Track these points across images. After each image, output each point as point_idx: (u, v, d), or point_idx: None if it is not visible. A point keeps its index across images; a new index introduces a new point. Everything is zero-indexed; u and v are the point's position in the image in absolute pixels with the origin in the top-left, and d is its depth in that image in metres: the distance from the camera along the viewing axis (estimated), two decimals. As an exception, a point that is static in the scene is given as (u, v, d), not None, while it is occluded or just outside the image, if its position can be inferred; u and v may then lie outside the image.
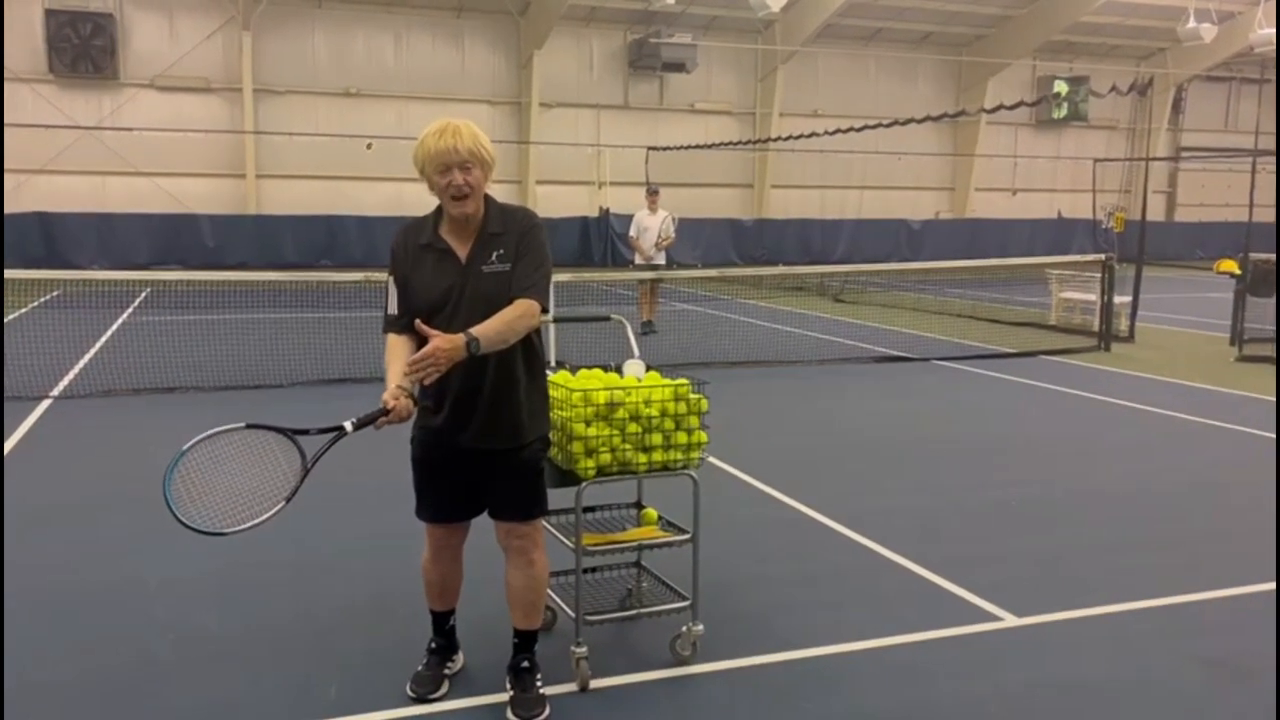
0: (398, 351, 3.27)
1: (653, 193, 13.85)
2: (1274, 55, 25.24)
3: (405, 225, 3.45)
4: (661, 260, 13.80)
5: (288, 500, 3.10)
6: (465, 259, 3.29)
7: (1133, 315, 13.41)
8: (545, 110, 26.28)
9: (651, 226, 13.57)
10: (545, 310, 3.31)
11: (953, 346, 12.47)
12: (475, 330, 3.11)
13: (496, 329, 3.16)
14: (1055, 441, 7.81)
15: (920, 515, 5.81)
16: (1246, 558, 5.10)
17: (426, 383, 3.10)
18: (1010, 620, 4.30)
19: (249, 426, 3.11)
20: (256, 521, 3.05)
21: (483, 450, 3.37)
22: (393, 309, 3.37)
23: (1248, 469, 6.92)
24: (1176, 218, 33.95)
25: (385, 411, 3.12)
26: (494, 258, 3.29)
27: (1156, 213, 33.04)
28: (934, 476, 6.72)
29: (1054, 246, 27.13)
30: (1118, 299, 12.98)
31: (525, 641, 3.57)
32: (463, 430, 3.34)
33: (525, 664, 3.55)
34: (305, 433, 3.16)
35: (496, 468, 3.40)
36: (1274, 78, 25.71)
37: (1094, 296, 13.32)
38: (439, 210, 3.36)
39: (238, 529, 3.03)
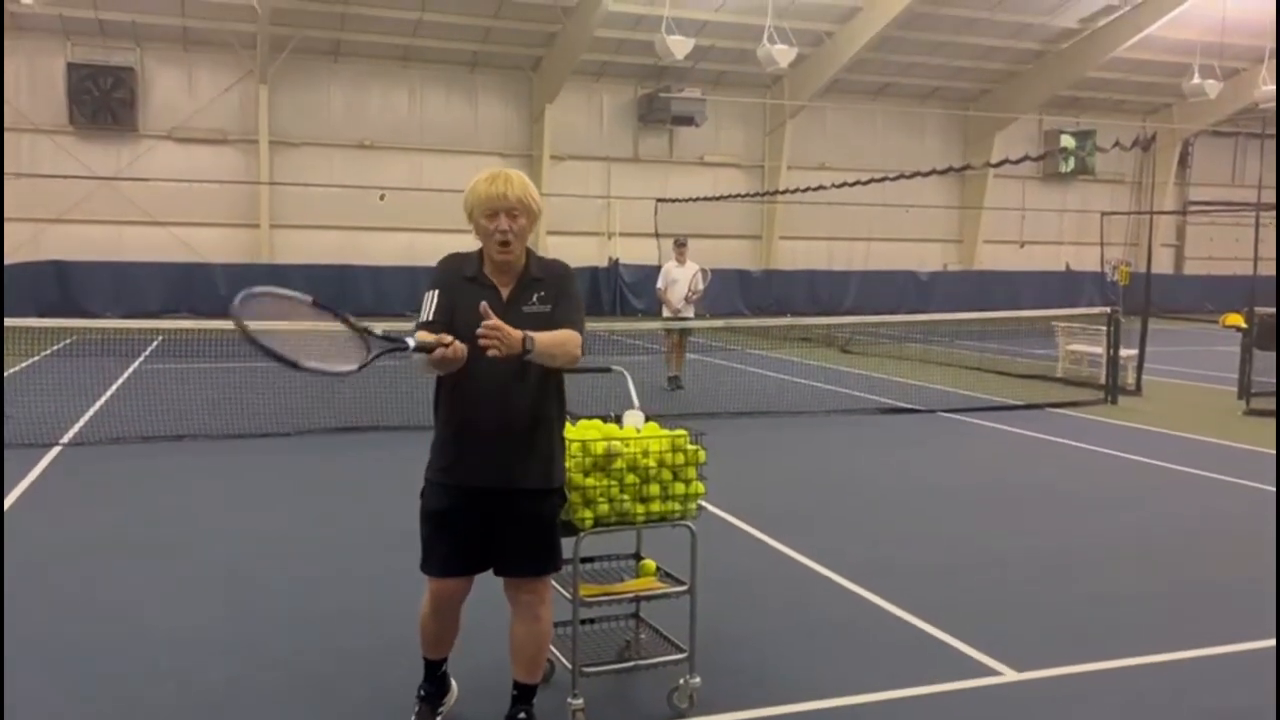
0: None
1: (681, 244, 13.42)
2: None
3: (450, 254, 3.51)
4: (690, 314, 13.34)
5: (360, 367, 3.08)
6: (507, 297, 3.38)
7: (1139, 368, 13.39)
8: (556, 163, 26.62)
9: (681, 279, 13.16)
10: (582, 350, 3.39)
11: (959, 398, 12.46)
12: (534, 334, 3.16)
13: (551, 340, 3.22)
14: (1059, 494, 7.78)
15: (922, 568, 5.80)
16: (1252, 612, 5.07)
17: (488, 353, 3.06)
18: (1010, 675, 4.29)
19: (315, 304, 3.08)
20: (331, 369, 3.03)
21: (508, 490, 3.36)
22: (427, 315, 3.36)
23: (1254, 523, 6.88)
24: (1185, 270, 34.03)
25: (445, 345, 3.10)
26: (535, 299, 3.39)
27: (1165, 265, 33.14)
28: (936, 529, 6.71)
29: (1062, 299, 27.11)
30: (1125, 352, 12.98)
31: (524, 694, 3.58)
32: (491, 464, 3.34)
33: (523, 715, 3.56)
34: (370, 332, 3.13)
35: (514, 515, 3.39)
36: (1275, 133, 25.87)
37: (1101, 349, 13.32)
38: (481, 252, 3.43)
39: (313, 366, 2.99)
